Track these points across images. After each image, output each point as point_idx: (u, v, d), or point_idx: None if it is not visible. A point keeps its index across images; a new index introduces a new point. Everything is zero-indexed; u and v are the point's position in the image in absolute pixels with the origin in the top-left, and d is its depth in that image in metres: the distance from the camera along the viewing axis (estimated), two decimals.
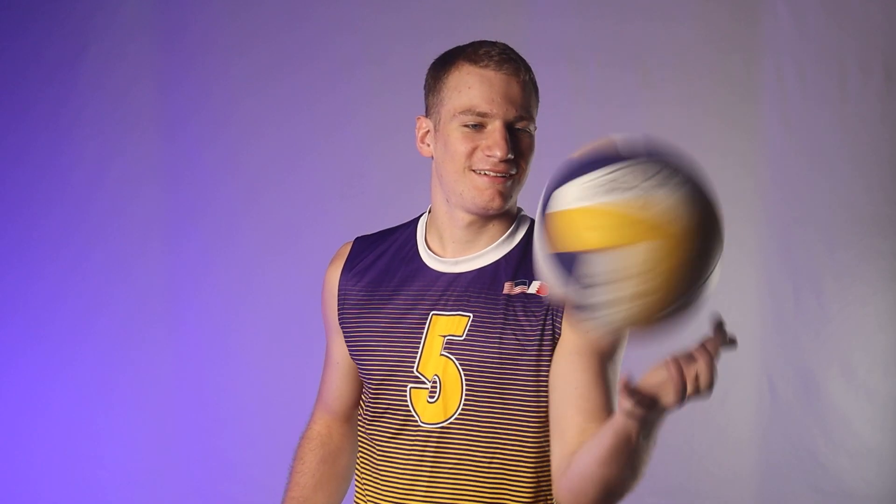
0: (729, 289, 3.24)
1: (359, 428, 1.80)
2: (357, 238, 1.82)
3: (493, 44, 1.69)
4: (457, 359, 1.65)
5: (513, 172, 1.64)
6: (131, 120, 3.34)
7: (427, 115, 1.71)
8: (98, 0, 3.33)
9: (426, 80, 1.72)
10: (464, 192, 1.64)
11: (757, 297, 3.23)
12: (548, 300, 1.64)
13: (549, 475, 1.66)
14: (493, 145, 1.61)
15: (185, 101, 3.32)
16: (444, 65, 1.68)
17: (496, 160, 1.61)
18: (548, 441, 1.65)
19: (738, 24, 3.22)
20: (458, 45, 1.70)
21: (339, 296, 1.76)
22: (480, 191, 1.63)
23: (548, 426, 1.65)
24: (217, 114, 3.31)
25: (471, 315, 1.65)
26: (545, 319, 1.63)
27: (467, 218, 1.68)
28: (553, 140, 3.24)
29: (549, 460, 1.66)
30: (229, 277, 3.31)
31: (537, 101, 1.71)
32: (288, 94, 3.29)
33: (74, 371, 3.33)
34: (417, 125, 1.72)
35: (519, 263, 1.68)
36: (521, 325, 1.64)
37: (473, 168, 1.63)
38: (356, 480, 1.80)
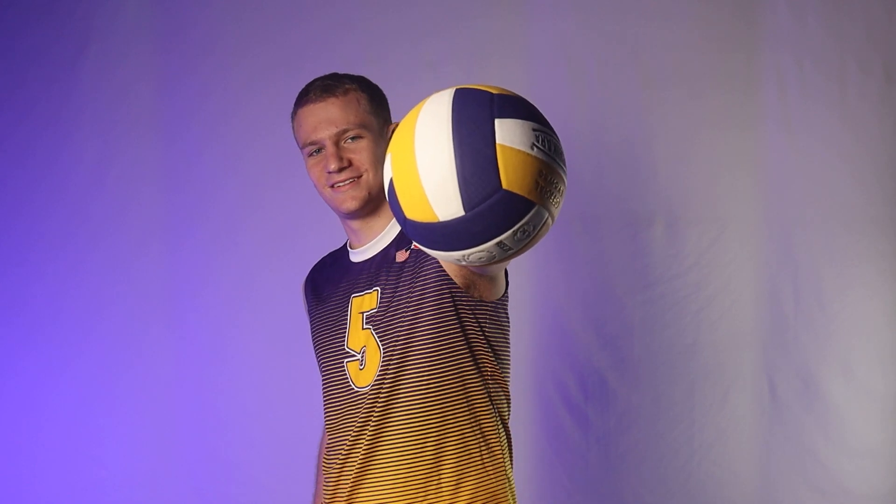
0: (729, 288, 3.24)
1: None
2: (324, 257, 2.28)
3: (319, 79, 2.11)
4: (374, 328, 1.96)
5: (355, 176, 2.02)
6: (131, 120, 3.34)
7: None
8: (98, 1, 3.33)
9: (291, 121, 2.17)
10: (334, 206, 2.07)
11: (757, 296, 3.23)
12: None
13: (491, 416, 1.94)
14: (327, 162, 2.03)
15: (185, 102, 3.33)
16: (293, 111, 2.14)
17: (332, 172, 2.02)
18: (482, 383, 1.94)
19: (737, 24, 3.22)
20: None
21: (307, 312, 2.22)
22: (336, 201, 2.05)
23: (477, 370, 1.93)
24: (217, 114, 3.32)
25: (378, 289, 1.99)
26: (435, 270, 1.92)
27: (355, 223, 2.10)
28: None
29: (485, 401, 1.93)
30: (230, 278, 3.31)
31: (372, 108, 2.07)
32: (288, 94, 3.27)
33: (75, 371, 3.33)
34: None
35: (404, 234, 2.00)
36: (416, 283, 1.93)
37: (328, 185, 2.05)
38: (324, 454, 2.10)
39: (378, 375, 1.93)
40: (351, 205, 2.03)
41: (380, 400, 1.92)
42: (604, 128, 3.22)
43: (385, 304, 1.96)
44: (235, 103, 3.30)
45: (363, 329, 1.98)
